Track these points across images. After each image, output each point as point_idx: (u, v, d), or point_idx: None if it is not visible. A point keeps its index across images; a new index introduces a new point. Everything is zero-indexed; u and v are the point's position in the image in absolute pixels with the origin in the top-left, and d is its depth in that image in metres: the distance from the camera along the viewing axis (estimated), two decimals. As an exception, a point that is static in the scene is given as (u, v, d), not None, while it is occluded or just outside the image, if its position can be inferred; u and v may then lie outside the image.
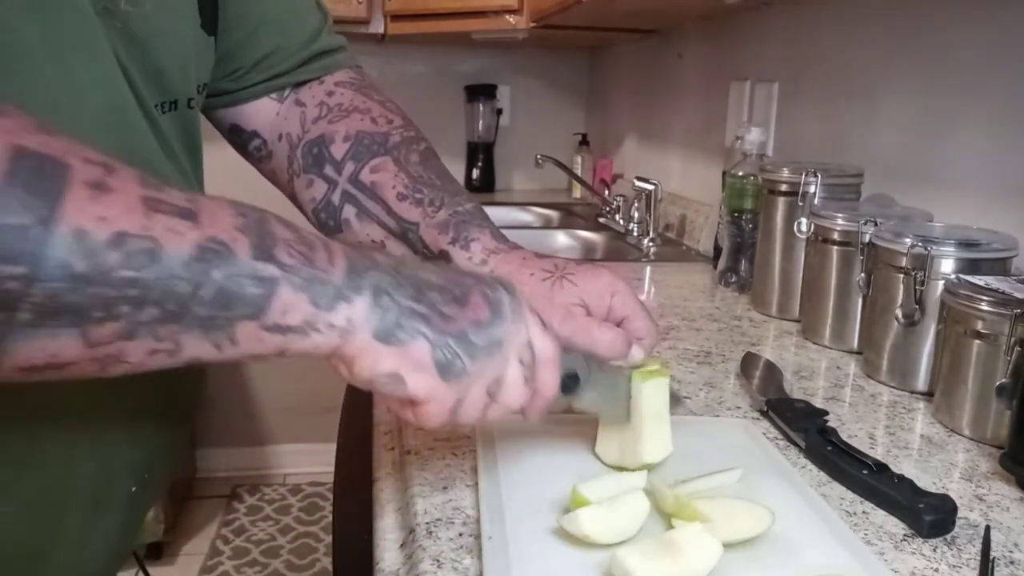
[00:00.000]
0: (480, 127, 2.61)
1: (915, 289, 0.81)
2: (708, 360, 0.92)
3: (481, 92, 2.60)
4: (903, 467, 0.66)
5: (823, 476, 0.64)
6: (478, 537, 0.52)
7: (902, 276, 0.83)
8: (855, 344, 0.96)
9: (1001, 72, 0.93)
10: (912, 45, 1.08)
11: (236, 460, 2.70)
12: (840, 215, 0.97)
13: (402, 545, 0.55)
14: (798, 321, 1.08)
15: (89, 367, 0.37)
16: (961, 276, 0.77)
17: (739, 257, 1.28)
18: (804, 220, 1.04)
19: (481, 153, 2.63)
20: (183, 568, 2.23)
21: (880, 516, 0.58)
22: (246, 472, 2.69)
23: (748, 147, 1.28)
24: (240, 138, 0.73)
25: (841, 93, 1.25)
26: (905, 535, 0.56)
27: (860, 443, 0.70)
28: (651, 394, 0.58)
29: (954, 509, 0.56)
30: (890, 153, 1.12)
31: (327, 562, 2.27)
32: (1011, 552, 0.54)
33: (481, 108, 2.60)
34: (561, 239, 1.97)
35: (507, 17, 1.98)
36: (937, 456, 0.69)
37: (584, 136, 2.58)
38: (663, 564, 0.46)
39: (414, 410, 0.46)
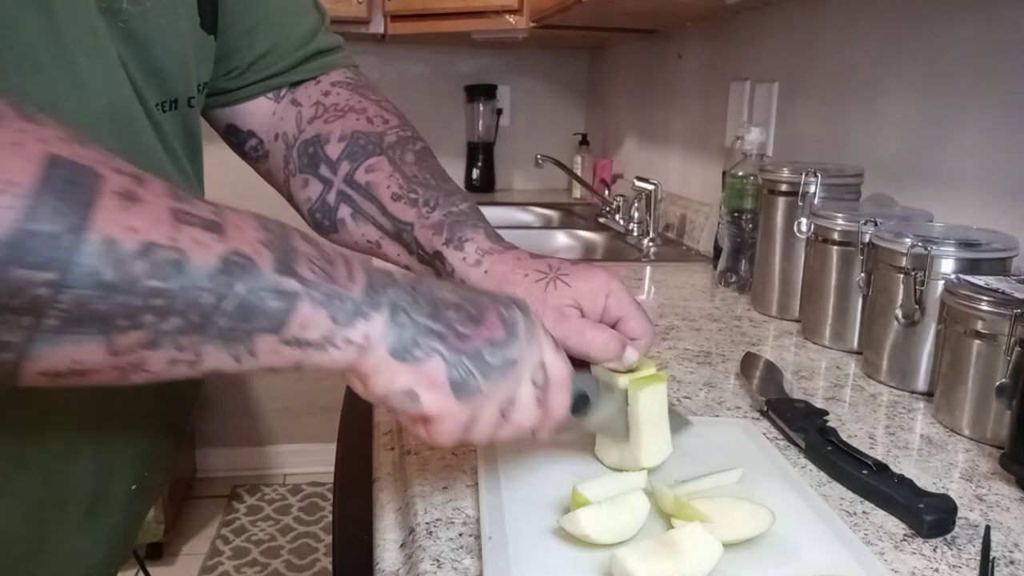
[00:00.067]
0: (480, 127, 2.61)
1: (915, 289, 0.82)
2: (708, 360, 0.92)
3: (481, 92, 2.60)
4: (903, 467, 0.66)
5: (823, 476, 0.64)
6: (478, 537, 0.52)
7: (902, 276, 0.83)
8: (855, 344, 0.96)
9: (1001, 72, 0.93)
10: (912, 45, 1.09)
11: (236, 460, 2.70)
12: (840, 215, 0.97)
13: (402, 545, 0.55)
14: (798, 321, 1.08)
15: (111, 375, 0.37)
16: (961, 276, 0.77)
17: (739, 257, 1.28)
18: (804, 220, 1.04)
19: (481, 153, 2.63)
20: (183, 568, 2.23)
21: (880, 516, 0.58)
22: (246, 472, 2.69)
23: (748, 147, 1.28)
24: (236, 138, 0.72)
25: (841, 93, 1.25)
26: (905, 535, 0.56)
27: (860, 443, 0.70)
28: (647, 402, 0.57)
29: (954, 509, 0.56)
30: (890, 153, 1.12)
31: (327, 562, 2.27)
32: (1011, 552, 0.54)
33: (481, 108, 2.60)
34: (561, 239, 1.97)
35: (507, 17, 1.98)
36: (937, 456, 0.69)
37: (584, 136, 2.58)
38: (663, 564, 0.46)
39: (426, 427, 0.46)
